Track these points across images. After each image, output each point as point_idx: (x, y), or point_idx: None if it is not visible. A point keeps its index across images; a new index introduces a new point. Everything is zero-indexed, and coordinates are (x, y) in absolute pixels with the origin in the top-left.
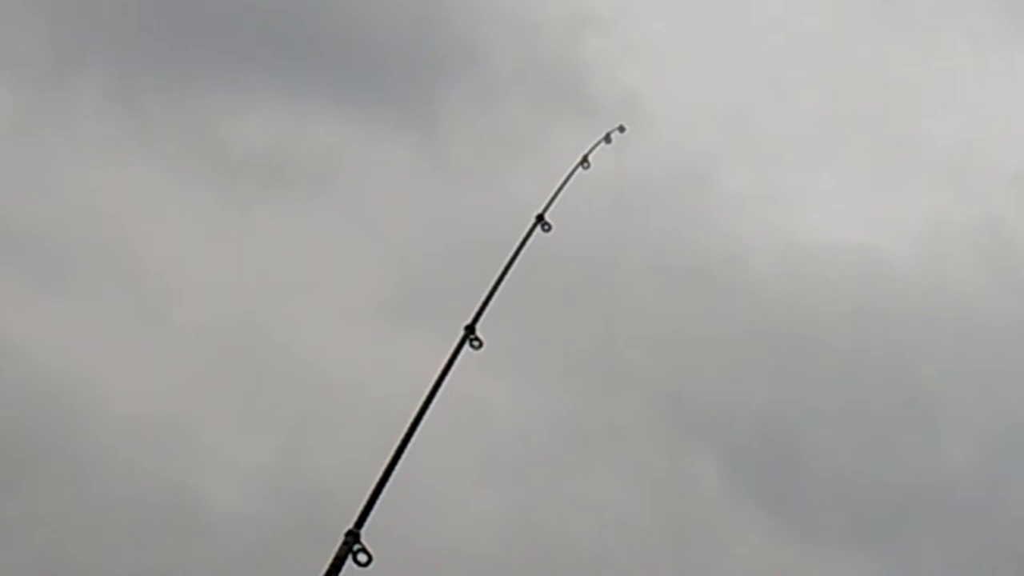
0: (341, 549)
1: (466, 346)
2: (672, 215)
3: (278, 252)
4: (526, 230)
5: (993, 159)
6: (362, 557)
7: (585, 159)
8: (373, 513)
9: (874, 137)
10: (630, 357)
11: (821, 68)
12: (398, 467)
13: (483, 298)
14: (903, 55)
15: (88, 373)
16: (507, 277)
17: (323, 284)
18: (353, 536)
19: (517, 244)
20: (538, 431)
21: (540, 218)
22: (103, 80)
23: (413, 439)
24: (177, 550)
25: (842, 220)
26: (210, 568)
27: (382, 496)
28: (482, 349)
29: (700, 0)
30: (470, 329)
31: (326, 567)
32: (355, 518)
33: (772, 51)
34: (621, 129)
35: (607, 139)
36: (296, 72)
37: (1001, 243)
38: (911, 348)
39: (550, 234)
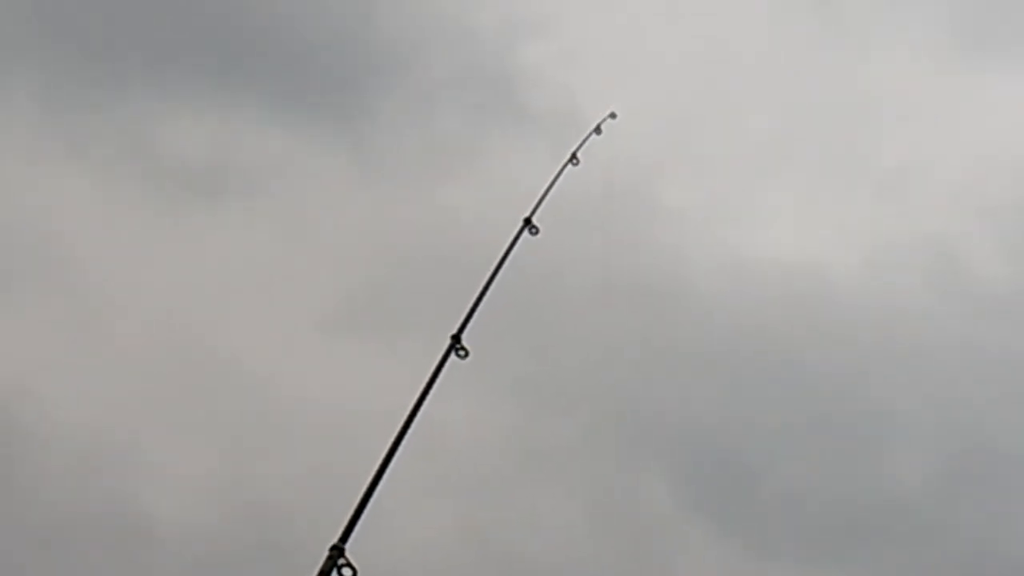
0: (326, 564)
1: (452, 356)
2: (615, 228)
3: (217, 262)
4: (513, 234)
5: (937, 175)
6: (347, 572)
7: (574, 156)
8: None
9: (819, 154)
10: (578, 372)
11: (765, 84)
12: (383, 481)
13: (469, 306)
14: (848, 71)
15: (27, 386)
16: (494, 284)
17: (264, 295)
18: (338, 550)
19: (504, 249)
20: (488, 445)
21: (528, 221)
22: (30, 87)
23: (398, 452)
24: (125, 564)
25: (787, 237)
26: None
27: (367, 510)
28: (468, 358)
29: (645, 11)
30: (456, 339)
31: None
32: (340, 532)
33: (715, 64)
34: (612, 116)
35: (598, 130)
36: (226, 78)
37: (946, 258)
38: (859, 365)
39: (538, 237)
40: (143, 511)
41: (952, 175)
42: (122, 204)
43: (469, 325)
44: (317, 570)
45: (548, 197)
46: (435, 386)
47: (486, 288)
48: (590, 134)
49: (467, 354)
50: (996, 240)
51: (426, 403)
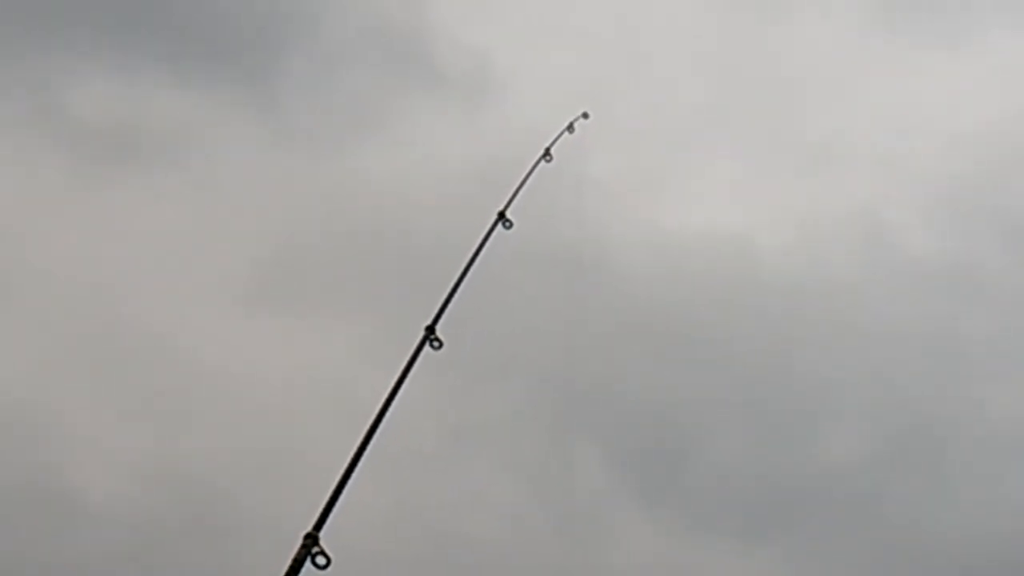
0: (300, 552)
1: (426, 347)
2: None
3: (131, 227)
4: (487, 227)
5: (863, 147)
6: (320, 560)
7: (547, 152)
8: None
9: (746, 127)
10: (509, 348)
11: (694, 55)
12: (357, 470)
13: (443, 298)
14: (773, 44)
15: None
16: (468, 277)
17: (180, 263)
18: (312, 539)
19: (478, 243)
20: (423, 422)
21: (502, 215)
22: None
23: (372, 441)
24: (53, 539)
25: (715, 210)
26: (92, 556)
27: (341, 499)
28: (442, 350)
29: None
30: (430, 330)
31: (284, 569)
32: (314, 520)
33: (640, 36)
34: (585, 116)
35: (570, 128)
36: (130, 37)
37: (874, 231)
38: (789, 338)
39: (511, 231)
40: (72, 485)
41: (878, 147)
42: (31, 164)
43: (443, 317)
44: (291, 558)
45: (522, 191)
46: (408, 377)
47: (460, 280)
48: (562, 132)
49: (441, 345)
50: (924, 212)
51: (399, 394)
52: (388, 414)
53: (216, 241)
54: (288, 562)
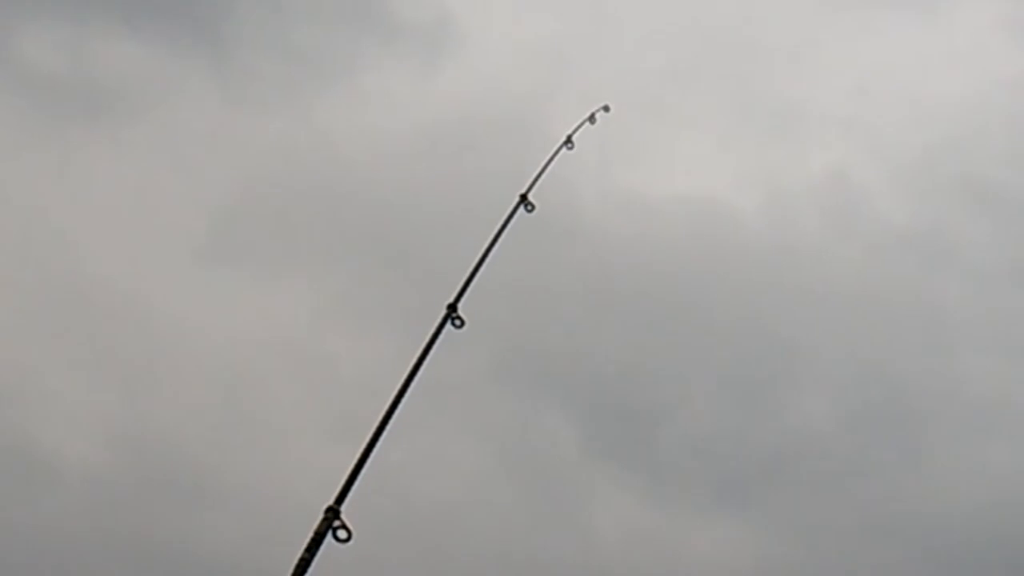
0: (321, 525)
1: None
2: (497, 155)
3: (88, 181)
4: (509, 209)
5: (834, 114)
6: (342, 534)
7: (569, 139)
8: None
9: (720, 92)
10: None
11: (668, 20)
12: (378, 445)
13: (465, 277)
14: (749, 11)
15: None
16: (490, 256)
17: (137, 218)
18: (333, 512)
19: (500, 224)
20: (387, 383)
21: (523, 198)
22: None
23: (394, 417)
24: (20, 496)
25: (687, 176)
26: (62, 514)
27: (362, 473)
28: (464, 328)
29: None
30: (452, 308)
31: (306, 543)
32: (335, 494)
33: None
34: (606, 109)
35: (591, 119)
36: None
37: (843, 196)
38: (762, 303)
39: (533, 214)
40: (40, 446)
41: (849, 114)
42: None
43: (465, 295)
44: (312, 531)
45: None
46: (430, 353)
47: (482, 260)
48: (584, 122)
49: (463, 324)
50: (894, 178)
51: (421, 369)
52: (410, 389)
53: (175, 195)
54: (309, 535)
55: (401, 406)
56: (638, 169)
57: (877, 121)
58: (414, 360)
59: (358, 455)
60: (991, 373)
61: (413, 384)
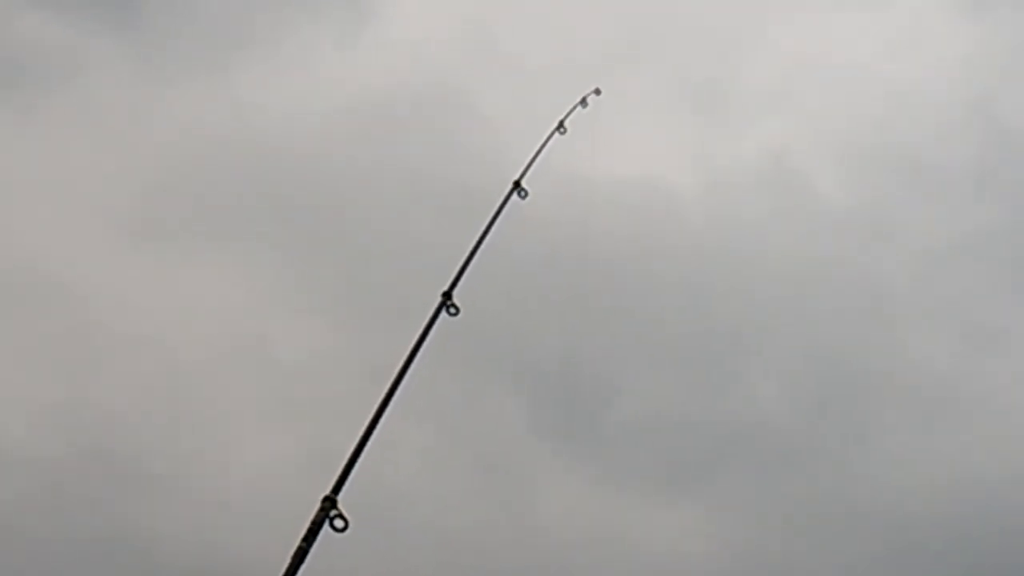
0: (318, 514)
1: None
2: (428, 134)
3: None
4: (503, 196)
5: (773, 92)
6: (339, 523)
7: (561, 124)
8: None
9: (657, 73)
10: (410, 290)
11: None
12: (375, 434)
13: (459, 265)
14: None
15: None
16: (484, 243)
17: (60, 197)
18: (330, 502)
19: (494, 211)
20: (333, 367)
21: (517, 184)
22: None
23: (390, 406)
24: None
25: (625, 154)
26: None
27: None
28: (459, 316)
29: None
30: (447, 295)
31: (303, 532)
32: (332, 483)
33: None
34: (597, 92)
35: (583, 103)
36: None
37: (783, 175)
38: (705, 284)
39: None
40: None
41: (788, 91)
42: None
43: (460, 283)
44: (309, 520)
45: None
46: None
47: (476, 247)
48: (576, 106)
49: (458, 311)
50: (834, 156)
51: (417, 358)
52: (405, 378)
53: (97, 172)
54: (307, 524)
55: (398, 393)
56: (575, 147)
57: (817, 100)
58: (409, 349)
59: (355, 443)
60: (936, 348)
61: (409, 372)
